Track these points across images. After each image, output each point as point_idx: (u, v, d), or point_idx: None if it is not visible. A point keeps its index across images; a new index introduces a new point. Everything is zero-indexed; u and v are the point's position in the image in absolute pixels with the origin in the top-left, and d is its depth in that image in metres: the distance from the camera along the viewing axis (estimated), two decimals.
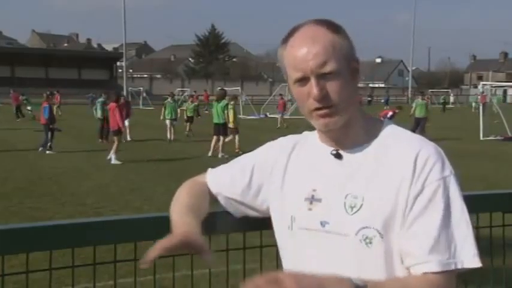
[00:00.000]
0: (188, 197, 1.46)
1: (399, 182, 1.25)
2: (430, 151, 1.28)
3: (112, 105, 14.02)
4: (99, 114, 18.70)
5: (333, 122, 1.29)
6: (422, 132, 19.09)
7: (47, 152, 15.23)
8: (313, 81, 1.26)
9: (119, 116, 13.65)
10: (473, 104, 19.44)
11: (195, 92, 39.36)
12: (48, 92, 16.81)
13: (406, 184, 1.25)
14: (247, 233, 1.69)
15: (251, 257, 1.75)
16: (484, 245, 1.30)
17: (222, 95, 15.19)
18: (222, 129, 14.54)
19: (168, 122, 18.76)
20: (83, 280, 2.24)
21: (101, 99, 19.24)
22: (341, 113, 1.29)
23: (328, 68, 1.26)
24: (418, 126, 19.10)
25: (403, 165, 1.26)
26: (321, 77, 1.26)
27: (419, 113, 19.59)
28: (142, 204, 8.40)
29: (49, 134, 15.51)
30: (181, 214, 1.38)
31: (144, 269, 1.23)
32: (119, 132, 13.80)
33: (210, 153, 14.32)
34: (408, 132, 1.36)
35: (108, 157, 13.35)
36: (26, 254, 1.48)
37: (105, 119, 17.74)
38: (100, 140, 18.00)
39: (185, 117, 21.11)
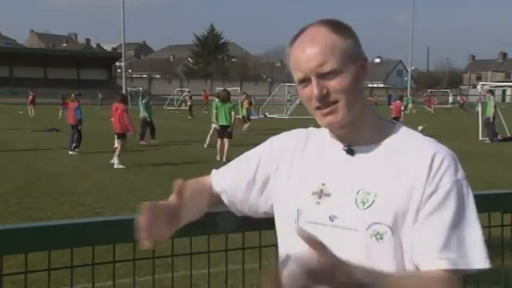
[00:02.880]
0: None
1: (413, 181, 1.26)
2: (445, 153, 1.30)
3: (120, 106, 13.25)
4: (142, 115, 18.31)
5: (335, 120, 1.31)
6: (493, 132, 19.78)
7: (70, 152, 15.04)
8: (313, 81, 1.29)
9: (128, 119, 13.01)
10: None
11: (189, 91, 39.30)
12: (76, 92, 16.40)
13: (420, 183, 1.26)
14: (246, 233, 1.69)
15: (250, 257, 1.75)
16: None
17: (226, 97, 14.60)
18: (227, 131, 14.00)
19: (215, 125, 16.75)
20: (82, 280, 2.23)
21: (144, 101, 18.99)
22: (344, 111, 1.30)
23: (328, 67, 1.28)
24: (490, 126, 19.85)
25: (419, 165, 1.28)
26: (321, 76, 1.29)
27: (489, 112, 20.15)
28: (141, 205, 8.36)
29: (76, 135, 15.31)
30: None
31: (143, 269, 1.23)
32: (124, 135, 13.11)
33: (218, 157, 13.50)
34: (421, 135, 1.38)
35: (112, 161, 12.79)
36: (24, 254, 1.48)
37: (146, 120, 17.85)
38: (141, 142, 17.55)
39: (240, 116, 21.21)
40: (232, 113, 14.18)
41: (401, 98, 21.90)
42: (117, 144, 13.04)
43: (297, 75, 1.33)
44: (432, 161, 1.27)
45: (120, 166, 12.49)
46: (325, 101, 1.29)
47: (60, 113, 30.78)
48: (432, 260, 1.23)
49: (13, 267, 1.54)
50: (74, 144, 15.33)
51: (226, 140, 13.91)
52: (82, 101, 16.92)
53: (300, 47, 1.32)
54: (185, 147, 16.74)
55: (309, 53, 1.29)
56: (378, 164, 1.32)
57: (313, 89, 1.29)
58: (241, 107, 22.51)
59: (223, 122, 14.12)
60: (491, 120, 20.11)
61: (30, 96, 34.81)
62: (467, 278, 1.59)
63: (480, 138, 20.35)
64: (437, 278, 1.22)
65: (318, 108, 1.31)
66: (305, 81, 1.31)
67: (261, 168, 1.48)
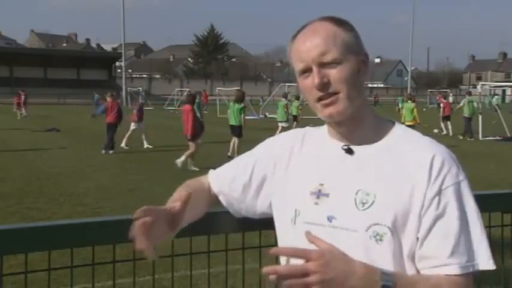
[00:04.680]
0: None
1: (414, 183, 1.26)
2: (445, 155, 1.30)
3: (187, 107, 12.94)
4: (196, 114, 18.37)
5: (336, 111, 1.30)
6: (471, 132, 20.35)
7: (103, 151, 15.00)
8: (314, 70, 1.29)
9: (192, 122, 12.66)
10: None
11: (189, 91, 39.27)
12: (114, 92, 16.72)
13: (422, 186, 1.25)
14: (246, 233, 1.69)
15: (250, 257, 1.75)
16: None
17: (241, 96, 14.64)
18: (237, 130, 14.12)
19: (282, 124, 17.53)
20: (82, 280, 2.23)
21: (197, 101, 18.90)
22: (345, 103, 1.29)
23: (329, 56, 1.28)
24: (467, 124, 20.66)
25: (419, 166, 1.27)
26: (323, 66, 1.29)
27: (466, 112, 20.93)
28: (141, 204, 8.26)
29: (112, 135, 15.34)
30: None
31: (143, 269, 1.23)
32: (196, 137, 12.77)
33: (229, 153, 13.59)
34: (419, 134, 1.38)
35: (179, 160, 12.35)
36: (24, 254, 1.48)
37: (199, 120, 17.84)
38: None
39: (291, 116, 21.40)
40: (242, 113, 14.23)
41: (445, 98, 24.75)
42: (190, 146, 12.73)
43: (298, 66, 1.32)
44: (432, 162, 1.27)
45: (195, 168, 12.00)
46: (325, 90, 1.29)
47: (18, 114, 30.64)
48: (443, 265, 1.23)
49: (13, 267, 1.54)
50: (106, 144, 15.30)
51: (235, 139, 14.02)
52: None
53: (302, 39, 1.32)
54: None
55: (311, 43, 1.30)
56: (377, 163, 1.31)
57: (314, 79, 1.29)
58: (293, 106, 22.59)
59: (231, 122, 14.32)
60: (465, 118, 20.88)
61: (23, 97, 34.63)
62: None
63: (480, 138, 20.35)
64: (450, 281, 1.23)
65: (319, 99, 1.30)
66: (306, 71, 1.31)
67: (257, 169, 1.47)
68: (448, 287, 1.22)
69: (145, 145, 16.63)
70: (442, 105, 23.64)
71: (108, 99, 16.04)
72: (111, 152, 15.09)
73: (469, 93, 23.00)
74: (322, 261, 1.12)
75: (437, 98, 27.93)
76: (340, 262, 1.15)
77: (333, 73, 1.28)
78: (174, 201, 1.39)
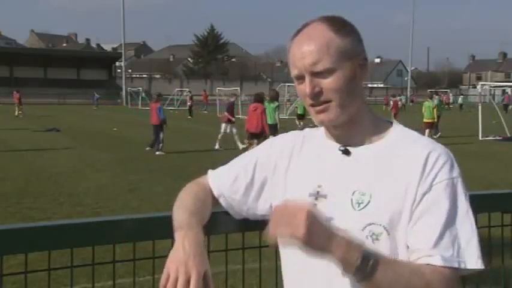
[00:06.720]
0: (193, 201, 1.45)
1: (408, 180, 1.26)
2: (441, 152, 1.30)
3: (260, 106, 13.25)
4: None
5: (327, 119, 1.31)
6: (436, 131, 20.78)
7: (157, 153, 15.02)
8: (306, 79, 1.30)
9: (266, 120, 13.00)
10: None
11: (190, 92, 39.32)
12: (158, 93, 17.04)
13: (414, 182, 1.26)
14: (246, 233, 1.69)
15: (250, 257, 1.75)
16: (483, 245, 1.30)
17: (275, 96, 14.92)
18: (272, 129, 14.15)
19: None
20: (82, 280, 2.23)
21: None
22: (337, 110, 1.30)
23: (320, 66, 1.28)
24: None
25: (413, 164, 1.27)
26: (315, 75, 1.29)
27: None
28: (141, 204, 8.35)
29: (161, 134, 15.37)
30: (186, 218, 1.37)
31: (143, 269, 1.23)
32: (261, 135, 13.00)
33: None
34: (418, 134, 1.38)
35: None
36: (24, 254, 1.48)
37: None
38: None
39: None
40: (276, 112, 14.44)
41: (394, 96, 27.94)
42: (248, 143, 12.89)
43: (293, 72, 1.34)
44: (426, 159, 1.27)
45: None
46: (317, 99, 1.30)
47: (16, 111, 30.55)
48: (425, 256, 1.22)
49: (13, 267, 1.54)
50: (161, 145, 15.34)
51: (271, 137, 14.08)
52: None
53: (298, 44, 1.32)
54: (185, 147, 16.73)
55: (305, 50, 1.30)
56: (373, 164, 1.31)
57: (306, 87, 1.30)
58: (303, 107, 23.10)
59: (267, 121, 14.38)
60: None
61: (18, 95, 34.50)
62: (466, 278, 1.59)
63: (480, 138, 20.35)
64: (434, 270, 1.20)
65: (312, 105, 1.31)
66: (300, 78, 1.32)
67: (259, 171, 1.47)
68: (431, 275, 1.19)
69: (240, 146, 15.99)
70: (391, 102, 24.98)
71: (155, 100, 16.41)
72: (157, 153, 15.05)
73: (431, 97, 22.93)
74: (310, 222, 1.15)
75: (441, 97, 28.94)
76: (324, 227, 1.17)
77: (325, 83, 1.29)
78: (184, 208, 1.40)
